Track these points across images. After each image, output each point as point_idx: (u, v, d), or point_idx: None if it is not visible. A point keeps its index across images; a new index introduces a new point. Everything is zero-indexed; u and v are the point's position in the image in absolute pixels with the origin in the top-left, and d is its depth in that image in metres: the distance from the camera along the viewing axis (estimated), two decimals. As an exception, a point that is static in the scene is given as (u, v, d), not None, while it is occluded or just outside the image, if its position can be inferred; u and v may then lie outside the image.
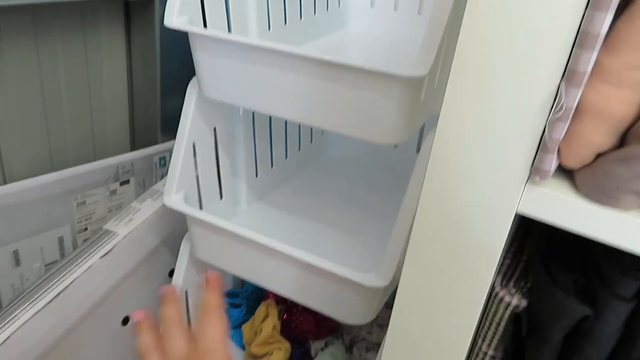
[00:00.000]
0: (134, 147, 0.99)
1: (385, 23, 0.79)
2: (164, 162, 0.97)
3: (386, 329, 0.43)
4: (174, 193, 0.62)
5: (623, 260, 0.33)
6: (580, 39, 0.27)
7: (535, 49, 0.28)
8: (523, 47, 0.28)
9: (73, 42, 0.82)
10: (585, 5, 0.27)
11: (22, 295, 0.62)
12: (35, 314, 0.59)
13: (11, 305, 0.61)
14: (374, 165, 0.89)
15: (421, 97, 0.48)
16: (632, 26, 0.27)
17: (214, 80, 0.56)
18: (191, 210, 0.60)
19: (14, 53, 0.75)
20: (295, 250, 0.55)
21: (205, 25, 0.57)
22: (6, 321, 0.58)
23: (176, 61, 0.92)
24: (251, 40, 0.51)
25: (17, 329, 0.58)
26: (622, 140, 0.30)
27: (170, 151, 0.97)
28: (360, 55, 0.74)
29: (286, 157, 0.81)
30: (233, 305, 0.77)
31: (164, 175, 0.96)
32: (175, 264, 0.71)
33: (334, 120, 0.50)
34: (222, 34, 0.54)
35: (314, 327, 0.75)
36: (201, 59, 0.55)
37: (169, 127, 0.97)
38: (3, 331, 0.57)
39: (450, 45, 0.42)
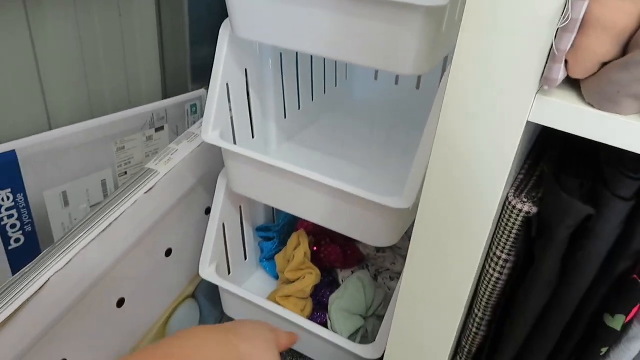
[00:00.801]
0: (165, 95, 1.04)
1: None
2: (195, 109, 1.02)
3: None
4: (211, 131, 0.66)
5: (624, 164, 0.36)
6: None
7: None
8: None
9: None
10: None
11: (77, 227, 0.68)
12: (91, 242, 0.65)
13: (68, 235, 0.67)
14: (397, 107, 0.92)
15: (443, 29, 0.51)
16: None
17: (246, 20, 0.59)
18: (229, 145, 0.65)
19: (53, 5, 0.79)
20: (328, 179, 0.59)
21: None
22: (65, 248, 0.65)
23: (204, 12, 0.95)
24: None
25: (75, 255, 0.64)
26: (625, 51, 0.33)
27: (201, 99, 1.02)
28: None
29: (312, 99, 0.85)
30: (266, 239, 0.83)
31: (195, 121, 1.01)
32: (210, 203, 0.77)
33: (361, 54, 0.54)
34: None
35: (341, 258, 0.81)
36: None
37: (199, 75, 1.01)
38: (64, 256, 0.63)
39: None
